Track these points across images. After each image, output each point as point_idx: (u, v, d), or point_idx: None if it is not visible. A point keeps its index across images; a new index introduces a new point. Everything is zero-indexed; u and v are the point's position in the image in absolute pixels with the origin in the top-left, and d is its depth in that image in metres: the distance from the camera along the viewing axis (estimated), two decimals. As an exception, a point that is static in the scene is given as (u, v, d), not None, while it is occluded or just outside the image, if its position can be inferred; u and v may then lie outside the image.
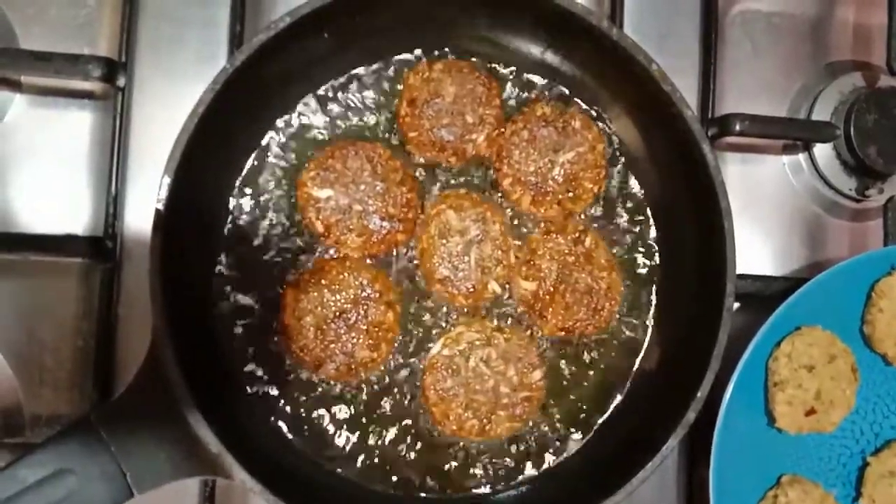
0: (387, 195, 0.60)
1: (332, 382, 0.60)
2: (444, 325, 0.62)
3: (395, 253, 0.62)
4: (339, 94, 0.63)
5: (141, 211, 0.63)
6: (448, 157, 0.62)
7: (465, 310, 0.62)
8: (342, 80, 0.63)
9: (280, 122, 0.62)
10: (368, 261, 0.61)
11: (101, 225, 0.62)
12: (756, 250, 0.70)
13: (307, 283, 0.59)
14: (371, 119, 0.63)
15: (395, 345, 0.61)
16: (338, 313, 0.59)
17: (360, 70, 0.63)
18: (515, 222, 0.63)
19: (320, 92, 0.62)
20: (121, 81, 0.61)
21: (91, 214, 0.63)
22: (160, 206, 0.52)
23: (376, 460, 0.60)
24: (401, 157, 0.62)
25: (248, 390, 0.59)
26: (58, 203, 0.62)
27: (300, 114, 0.62)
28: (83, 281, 0.62)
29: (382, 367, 0.61)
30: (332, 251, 0.61)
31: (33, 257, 0.60)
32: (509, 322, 0.62)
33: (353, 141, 0.61)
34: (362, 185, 0.60)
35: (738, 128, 0.65)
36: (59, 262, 0.61)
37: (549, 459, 0.62)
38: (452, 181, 0.63)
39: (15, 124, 0.62)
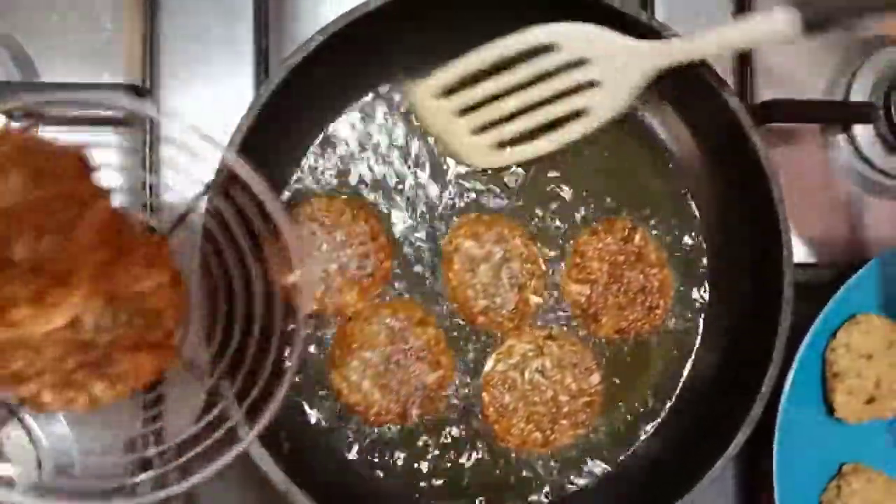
0: (350, 238, 0.58)
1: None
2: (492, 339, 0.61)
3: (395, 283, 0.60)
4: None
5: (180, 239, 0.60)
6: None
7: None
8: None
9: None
10: (377, 300, 0.59)
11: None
12: (798, 236, 0.69)
13: (342, 357, 0.58)
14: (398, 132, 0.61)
15: (452, 353, 0.60)
16: (385, 362, 0.58)
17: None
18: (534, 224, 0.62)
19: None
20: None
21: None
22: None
23: (451, 481, 0.59)
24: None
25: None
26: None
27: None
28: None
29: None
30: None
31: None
32: (558, 328, 0.61)
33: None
34: (324, 246, 0.58)
35: (779, 115, 0.64)
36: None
37: (616, 461, 0.61)
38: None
39: (40, 158, 0.60)
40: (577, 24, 0.56)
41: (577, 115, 0.59)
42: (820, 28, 0.48)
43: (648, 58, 0.56)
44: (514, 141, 0.60)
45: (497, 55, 0.57)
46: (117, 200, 0.59)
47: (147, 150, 0.59)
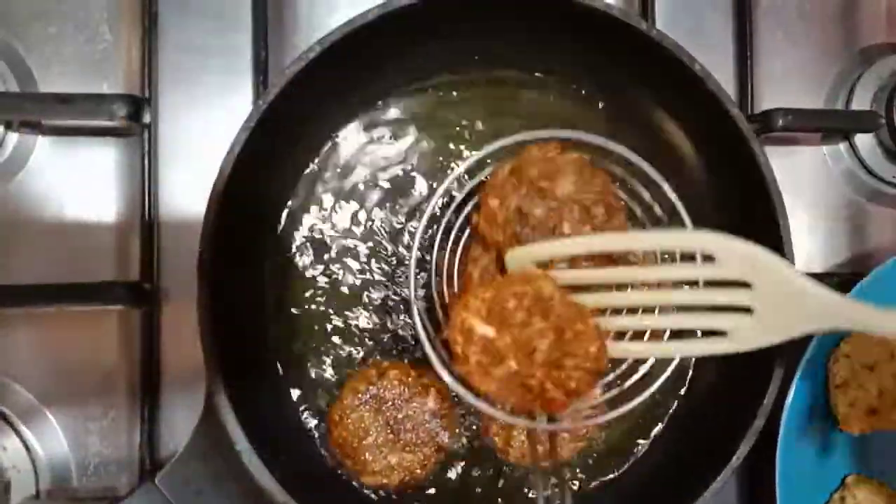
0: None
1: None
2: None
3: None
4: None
5: (178, 248, 0.60)
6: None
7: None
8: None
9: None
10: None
11: (136, 268, 0.59)
12: (799, 244, 0.69)
13: (351, 464, 0.56)
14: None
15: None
16: (390, 426, 0.56)
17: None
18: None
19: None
20: (146, 118, 0.58)
21: (125, 257, 0.60)
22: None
23: (448, 493, 0.59)
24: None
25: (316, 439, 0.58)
26: (89, 248, 0.60)
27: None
28: (122, 327, 0.60)
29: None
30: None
31: (69, 308, 0.58)
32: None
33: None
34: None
35: (780, 123, 0.63)
36: (95, 310, 0.59)
37: (617, 475, 0.61)
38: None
39: (39, 168, 0.60)
40: (753, 247, 0.45)
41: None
42: None
43: (829, 313, 0.45)
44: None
45: (645, 246, 0.50)
46: (115, 208, 0.60)
47: (146, 161, 0.59)
